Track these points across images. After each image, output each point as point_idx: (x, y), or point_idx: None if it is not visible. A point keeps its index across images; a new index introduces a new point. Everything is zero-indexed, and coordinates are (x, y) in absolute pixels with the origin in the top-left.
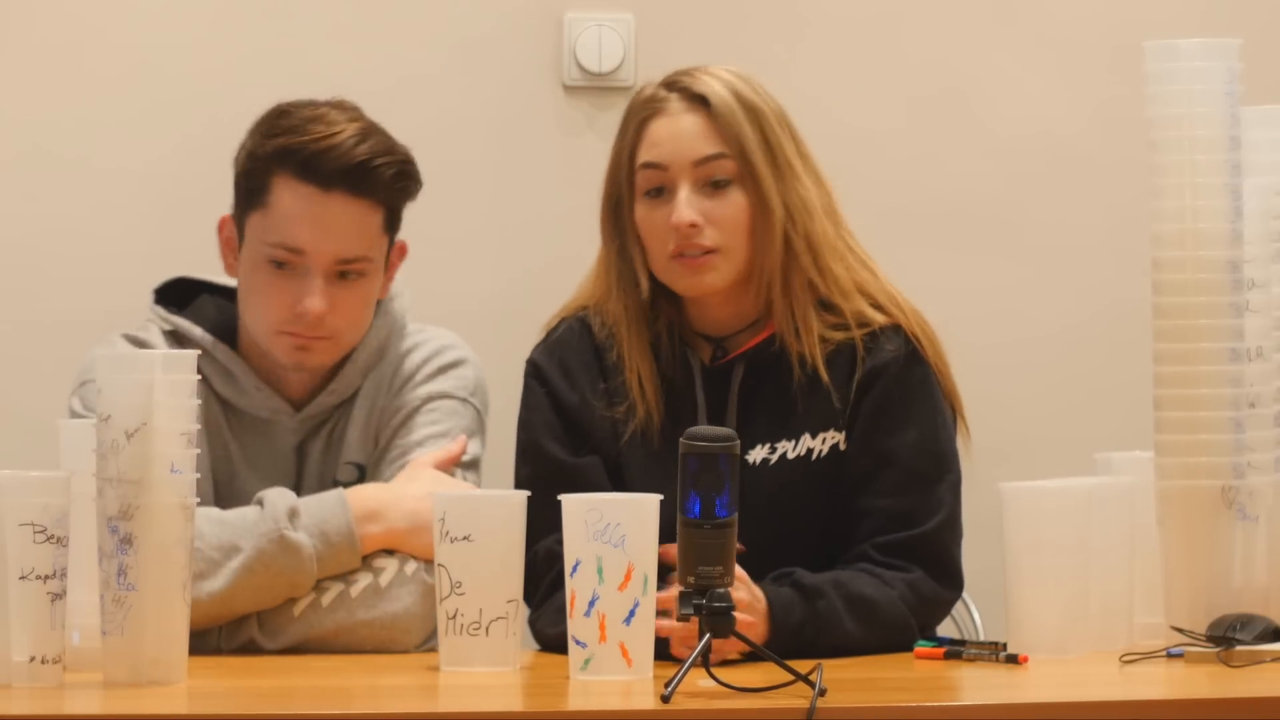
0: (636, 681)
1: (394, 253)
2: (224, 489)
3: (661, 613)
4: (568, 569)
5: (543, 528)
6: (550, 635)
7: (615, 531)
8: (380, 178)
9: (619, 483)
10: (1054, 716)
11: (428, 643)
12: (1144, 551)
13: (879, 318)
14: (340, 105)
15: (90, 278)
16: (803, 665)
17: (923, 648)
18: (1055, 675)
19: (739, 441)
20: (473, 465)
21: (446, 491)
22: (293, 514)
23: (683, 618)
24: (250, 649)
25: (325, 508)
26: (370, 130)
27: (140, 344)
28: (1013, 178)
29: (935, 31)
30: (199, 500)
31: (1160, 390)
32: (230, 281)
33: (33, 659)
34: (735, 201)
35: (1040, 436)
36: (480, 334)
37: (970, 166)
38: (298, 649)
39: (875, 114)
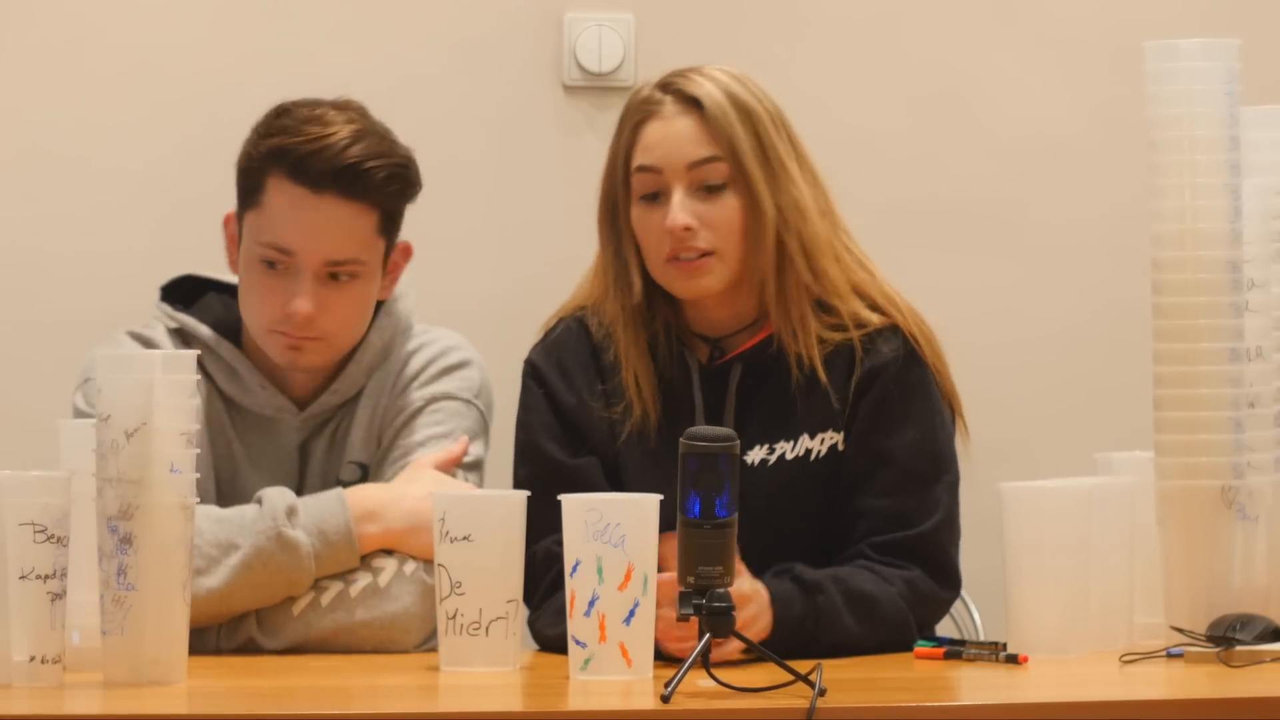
0: (636, 681)
1: (396, 254)
2: (226, 487)
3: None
4: (568, 569)
5: (541, 528)
6: (549, 636)
7: (615, 531)
8: (371, 180)
9: (617, 483)
10: (1054, 716)
11: (427, 643)
12: (1144, 551)
13: (876, 318)
14: (343, 106)
15: (90, 278)
16: (802, 665)
17: (923, 648)
18: (1055, 675)
19: (739, 441)
20: (475, 467)
21: (446, 491)
22: (291, 512)
23: (682, 618)
24: (249, 648)
25: (324, 507)
26: (366, 132)
27: (145, 341)
28: (1013, 178)
29: (935, 31)
30: (199, 499)
31: (1160, 390)
32: (236, 279)
33: (33, 659)
34: (729, 204)
35: (1040, 436)
36: (480, 334)
37: (970, 166)
38: (297, 649)
39: (875, 114)
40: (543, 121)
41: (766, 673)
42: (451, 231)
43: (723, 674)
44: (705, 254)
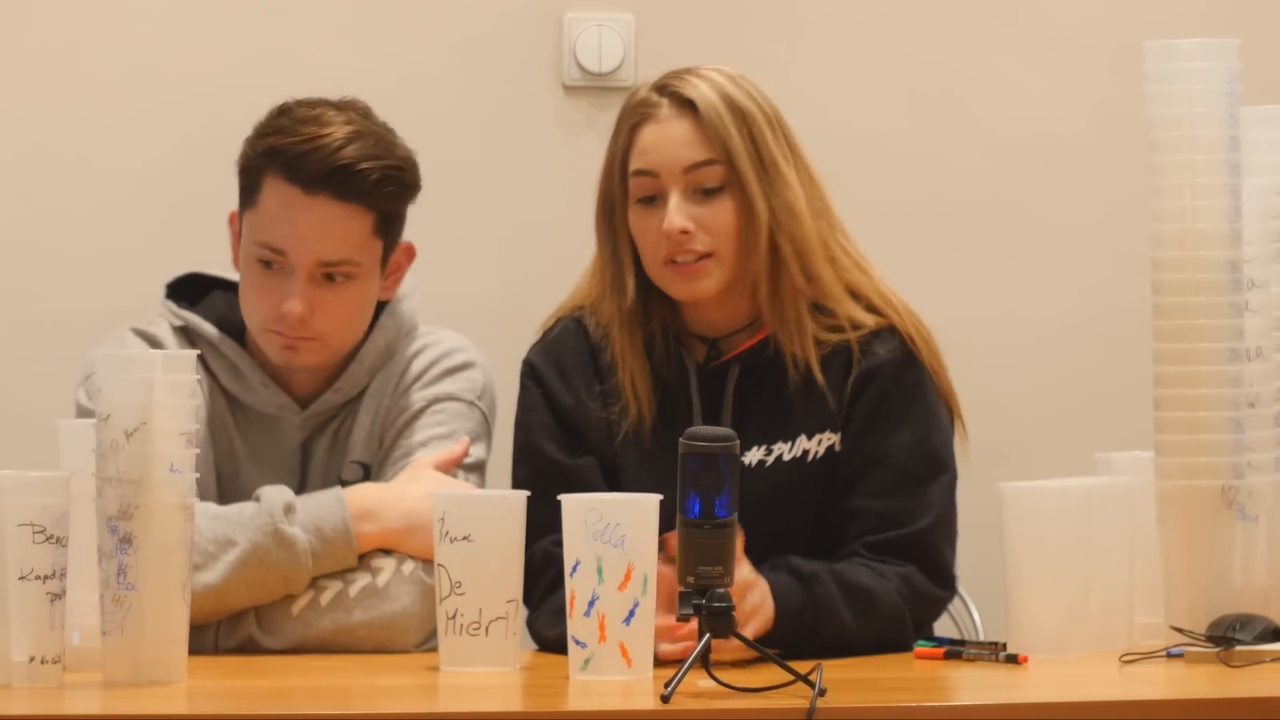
0: (636, 681)
1: (398, 254)
2: (227, 484)
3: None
4: (567, 569)
5: (539, 529)
6: (548, 637)
7: (615, 531)
8: (364, 181)
9: (614, 483)
10: (1054, 716)
11: (427, 643)
12: (1144, 551)
13: (872, 320)
14: (345, 106)
15: (90, 278)
16: (802, 665)
17: (923, 648)
18: (1055, 675)
19: (739, 441)
20: (476, 468)
21: (446, 491)
22: (288, 509)
23: (682, 618)
24: (249, 647)
25: (321, 504)
26: (362, 133)
27: (149, 338)
28: (1013, 178)
29: (935, 32)
30: (200, 495)
31: (1160, 390)
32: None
33: (32, 659)
34: (726, 207)
35: (1040, 436)
36: (480, 334)
37: (970, 166)
38: (296, 649)
39: (875, 114)
40: (543, 121)
41: (766, 673)
42: (451, 231)
43: (723, 674)
44: (703, 256)
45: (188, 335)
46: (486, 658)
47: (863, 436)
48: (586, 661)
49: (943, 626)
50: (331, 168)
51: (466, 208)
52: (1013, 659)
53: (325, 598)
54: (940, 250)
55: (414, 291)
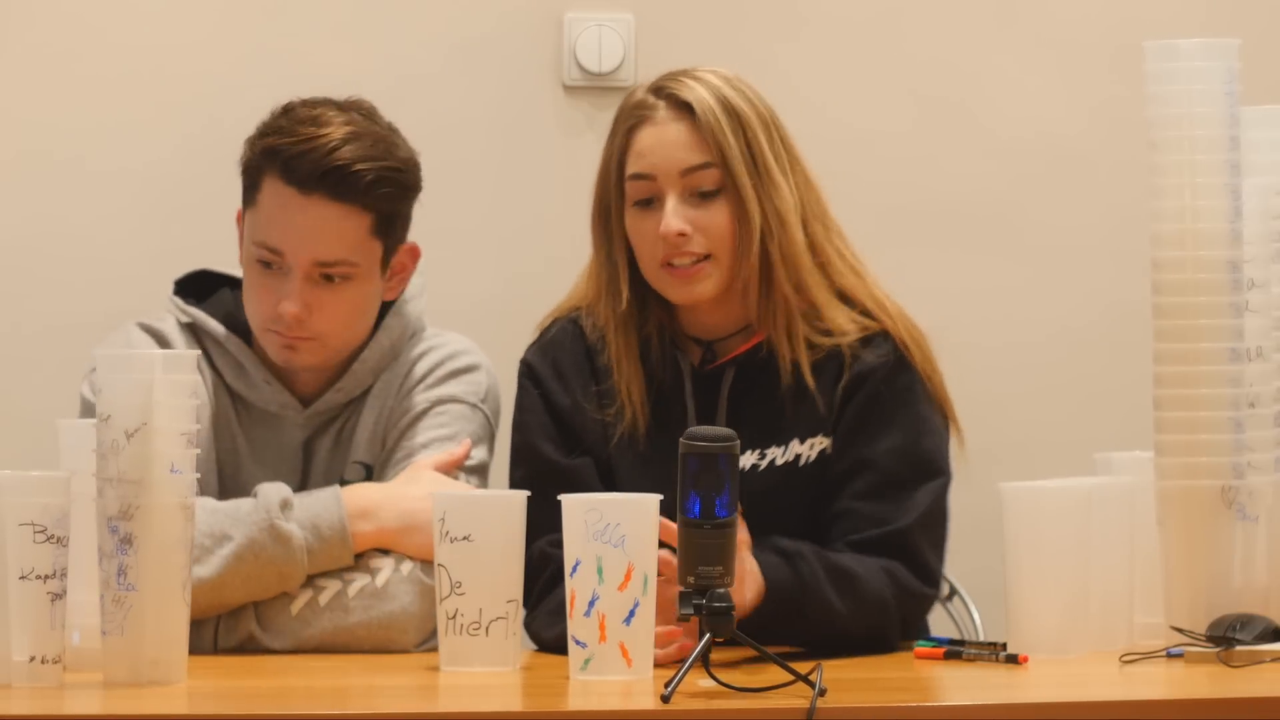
0: (636, 681)
1: (402, 255)
2: (229, 481)
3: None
4: (567, 569)
5: (536, 529)
6: (546, 638)
7: (615, 531)
8: (360, 182)
9: (610, 485)
10: (1054, 716)
11: (426, 643)
12: (1144, 551)
13: (866, 324)
14: (348, 106)
15: (91, 279)
16: (803, 666)
17: (923, 648)
18: (1055, 675)
19: (739, 441)
20: (478, 470)
21: (446, 491)
22: (285, 505)
23: (683, 618)
24: (249, 646)
25: (319, 502)
26: (361, 134)
27: (155, 333)
28: (1013, 178)
29: (935, 32)
30: (200, 491)
31: (1160, 390)
32: None
33: (33, 659)
34: (722, 210)
35: (1040, 437)
36: (479, 334)
37: (970, 167)
38: (296, 649)
39: (875, 114)
40: (543, 121)
41: (766, 673)
42: (451, 231)
43: (723, 674)
44: (701, 259)
45: (194, 332)
46: (486, 658)
47: (852, 440)
48: (587, 661)
49: (943, 626)
50: (326, 168)
51: (466, 208)
52: (1013, 659)
53: (324, 598)
54: (940, 251)
55: (421, 293)
